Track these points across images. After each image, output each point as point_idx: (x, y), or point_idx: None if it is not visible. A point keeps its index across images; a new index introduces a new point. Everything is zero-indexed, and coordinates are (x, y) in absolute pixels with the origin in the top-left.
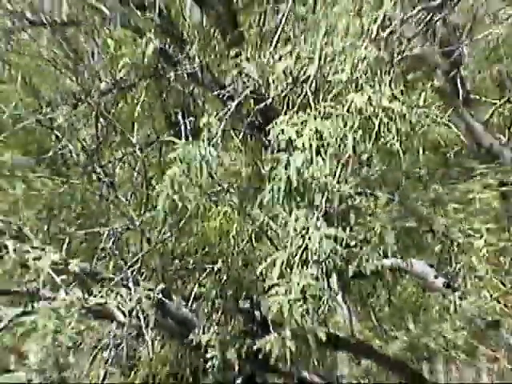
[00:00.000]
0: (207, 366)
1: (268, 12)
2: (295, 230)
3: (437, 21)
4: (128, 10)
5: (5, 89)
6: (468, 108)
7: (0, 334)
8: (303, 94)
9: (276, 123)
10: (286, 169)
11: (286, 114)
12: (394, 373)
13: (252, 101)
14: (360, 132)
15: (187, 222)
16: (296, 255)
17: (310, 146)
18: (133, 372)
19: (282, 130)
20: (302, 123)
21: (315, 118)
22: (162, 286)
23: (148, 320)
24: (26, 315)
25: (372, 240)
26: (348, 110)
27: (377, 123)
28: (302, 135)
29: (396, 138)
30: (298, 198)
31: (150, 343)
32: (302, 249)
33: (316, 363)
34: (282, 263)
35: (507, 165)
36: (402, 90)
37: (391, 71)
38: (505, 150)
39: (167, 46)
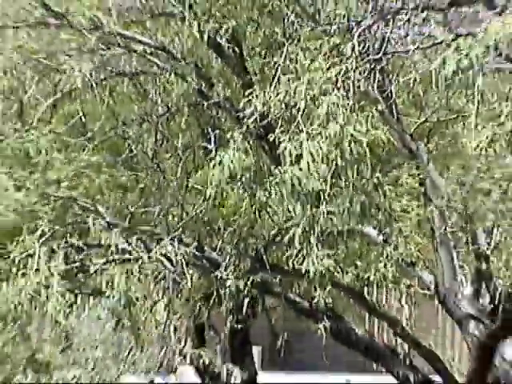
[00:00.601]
0: (227, 291)
1: (268, 61)
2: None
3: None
4: (174, 63)
5: (91, 109)
6: (400, 124)
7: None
8: (295, 119)
9: (280, 142)
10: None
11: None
12: (349, 295)
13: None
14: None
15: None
16: None
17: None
18: (179, 295)
19: (285, 147)
20: (296, 141)
21: (307, 139)
22: (196, 243)
23: (188, 263)
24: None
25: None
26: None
27: (346, 141)
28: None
29: (356, 147)
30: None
31: (188, 278)
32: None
33: (297, 287)
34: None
35: (423, 161)
36: (357, 116)
37: (351, 106)
38: (422, 152)
39: (201, 85)
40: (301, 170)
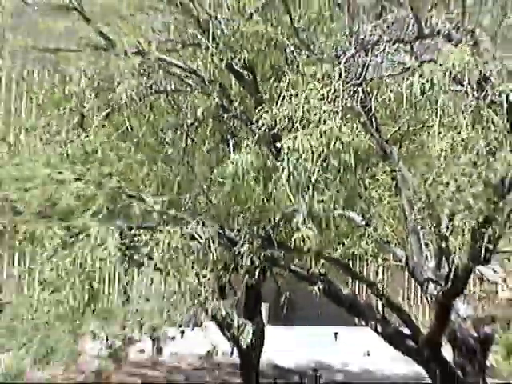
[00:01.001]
0: (242, 263)
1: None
2: None
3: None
4: (202, 83)
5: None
6: (378, 132)
7: None
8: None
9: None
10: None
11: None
12: (337, 266)
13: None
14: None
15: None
16: None
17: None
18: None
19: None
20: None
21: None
22: (218, 225)
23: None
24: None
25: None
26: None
27: (333, 141)
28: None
29: (342, 149)
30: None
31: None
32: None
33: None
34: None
35: (395, 161)
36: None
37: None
38: (394, 154)
39: (223, 101)
40: (297, 159)
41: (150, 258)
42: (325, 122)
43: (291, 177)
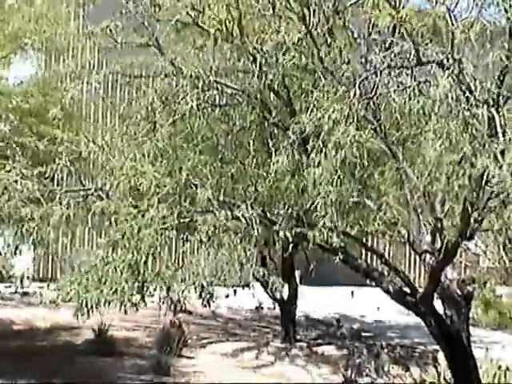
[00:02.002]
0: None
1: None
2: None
3: None
4: (248, 98)
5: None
6: (385, 136)
7: None
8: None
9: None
10: None
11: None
12: (354, 241)
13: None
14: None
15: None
16: None
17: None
18: (250, 240)
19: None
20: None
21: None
22: (261, 209)
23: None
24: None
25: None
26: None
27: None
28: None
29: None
30: None
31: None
32: None
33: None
34: None
35: (399, 160)
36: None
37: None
38: (399, 154)
39: (264, 112)
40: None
41: (208, 236)
42: (343, 124)
43: (321, 172)
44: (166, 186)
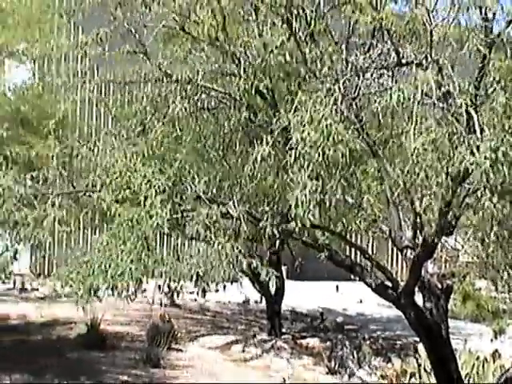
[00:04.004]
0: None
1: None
2: None
3: None
4: (235, 102)
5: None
6: (368, 136)
7: None
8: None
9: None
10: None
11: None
12: (338, 237)
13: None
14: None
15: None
16: None
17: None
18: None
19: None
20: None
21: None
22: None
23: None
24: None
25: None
26: None
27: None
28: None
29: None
30: None
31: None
32: None
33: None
34: None
35: (380, 158)
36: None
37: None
38: (380, 153)
39: (250, 114)
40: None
41: (197, 231)
42: (326, 119)
43: (301, 165)
44: (156, 182)
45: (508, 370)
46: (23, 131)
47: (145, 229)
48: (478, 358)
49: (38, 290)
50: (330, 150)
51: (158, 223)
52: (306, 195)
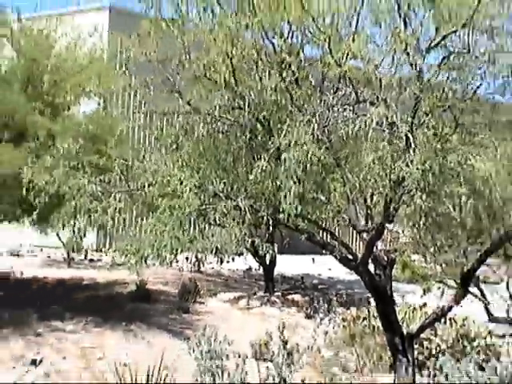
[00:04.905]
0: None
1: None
2: None
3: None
4: (241, 127)
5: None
6: (335, 153)
7: None
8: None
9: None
10: None
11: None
12: (314, 224)
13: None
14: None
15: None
16: None
17: None
18: (243, 223)
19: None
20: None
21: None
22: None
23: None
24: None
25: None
26: None
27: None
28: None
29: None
30: None
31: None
32: None
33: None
34: None
35: (343, 169)
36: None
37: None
38: (342, 164)
39: (251, 136)
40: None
41: (215, 218)
42: (306, 144)
43: (288, 175)
44: (188, 183)
45: (430, 315)
46: (93, 146)
47: (180, 215)
48: (409, 307)
49: (101, 260)
50: (308, 164)
51: (189, 212)
52: (291, 195)
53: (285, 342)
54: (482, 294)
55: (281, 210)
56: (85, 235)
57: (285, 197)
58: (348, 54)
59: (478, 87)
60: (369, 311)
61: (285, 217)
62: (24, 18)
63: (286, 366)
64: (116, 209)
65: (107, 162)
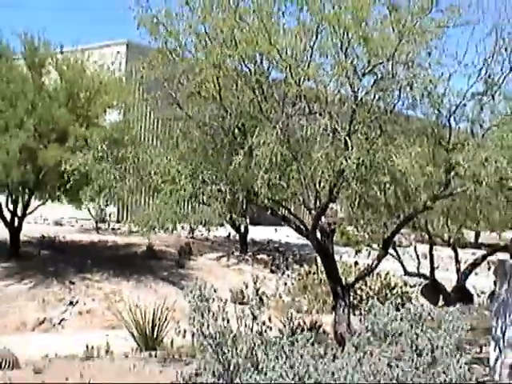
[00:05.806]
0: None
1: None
2: None
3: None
4: (225, 131)
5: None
6: (295, 151)
7: None
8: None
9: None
10: None
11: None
12: (279, 204)
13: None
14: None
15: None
16: None
17: None
18: (225, 203)
19: (256, 153)
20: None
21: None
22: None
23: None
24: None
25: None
26: None
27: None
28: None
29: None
30: None
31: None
32: None
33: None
34: None
35: (300, 163)
36: None
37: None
38: (299, 159)
39: (231, 139)
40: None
41: (203, 199)
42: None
43: (259, 166)
44: (183, 172)
45: (362, 270)
46: (114, 145)
47: (178, 196)
48: (346, 265)
49: (120, 229)
50: (273, 158)
51: (184, 194)
52: (261, 181)
53: (257, 290)
54: (398, 255)
55: (253, 192)
56: (107, 205)
57: (256, 182)
58: (304, 77)
59: (396, 104)
60: (317, 267)
61: (256, 198)
62: (65, 51)
63: (257, 308)
64: (130, 187)
65: (124, 154)
